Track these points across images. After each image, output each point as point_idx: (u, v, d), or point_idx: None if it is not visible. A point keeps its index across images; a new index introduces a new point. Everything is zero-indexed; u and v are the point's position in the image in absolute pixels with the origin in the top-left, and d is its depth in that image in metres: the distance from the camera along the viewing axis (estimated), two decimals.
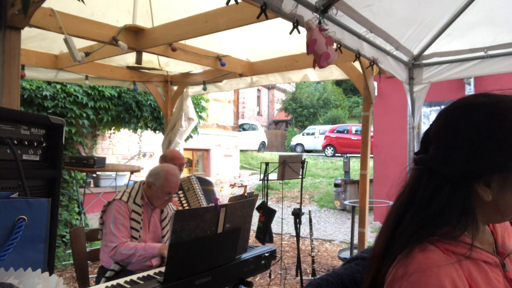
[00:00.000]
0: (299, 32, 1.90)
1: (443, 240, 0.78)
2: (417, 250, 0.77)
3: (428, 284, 0.72)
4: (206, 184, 3.58)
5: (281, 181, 4.55)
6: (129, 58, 3.87)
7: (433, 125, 0.86)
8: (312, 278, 4.11)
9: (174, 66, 4.27)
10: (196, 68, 4.37)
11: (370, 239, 6.50)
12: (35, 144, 1.14)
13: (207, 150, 12.47)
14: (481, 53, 3.09)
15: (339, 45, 2.27)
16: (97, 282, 2.29)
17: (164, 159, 3.35)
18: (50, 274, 0.75)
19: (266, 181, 4.09)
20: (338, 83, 26.35)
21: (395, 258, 0.80)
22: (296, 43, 3.17)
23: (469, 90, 6.15)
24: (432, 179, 0.82)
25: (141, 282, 1.80)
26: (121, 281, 1.82)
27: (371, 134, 4.21)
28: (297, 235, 3.94)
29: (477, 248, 0.80)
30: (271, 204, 8.97)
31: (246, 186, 3.91)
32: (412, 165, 0.89)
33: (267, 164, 4.16)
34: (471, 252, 0.78)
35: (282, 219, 5.71)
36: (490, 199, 0.79)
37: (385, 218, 0.89)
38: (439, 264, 0.74)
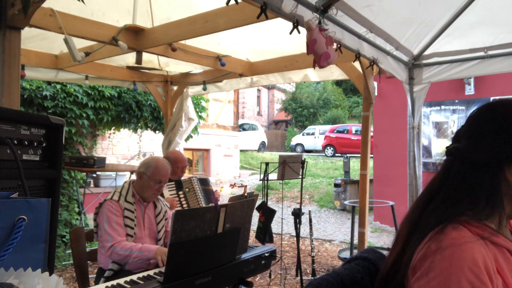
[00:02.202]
0: (299, 32, 1.90)
1: (471, 222, 0.83)
2: (450, 228, 0.82)
3: (462, 258, 0.76)
4: (206, 184, 3.58)
5: (281, 181, 4.54)
6: (129, 58, 3.86)
7: (463, 125, 0.97)
8: (312, 278, 4.11)
9: (174, 66, 4.27)
10: (196, 68, 4.36)
11: (370, 239, 6.52)
12: (35, 144, 1.14)
13: (207, 150, 12.47)
14: (481, 53, 3.09)
15: (339, 45, 2.27)
16: (97, 283, 2.29)
17: (166, 160, 3.35)
18: (50, 274, 0.75)
19: (266, 181, 4.09)
20: (338, 83, 26.33)
21: (425, 235, 0.84)
22: (296, 43, 3.16)
23: (469, 90, 6.15)
24: (463, 165, 0.90)
25: (141, 282, 1.80)
26: (121, 281, 1.82)
27: (371, 134, 4.21)
28: (297, 235, 3.94)
29: (502, 236, 0.85)
30: (271, 204, 8.97)
31: (246, 186, 3.92)
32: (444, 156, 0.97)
33: (267, 164, 4.16)
34: (497, 238, 0.83)
35: (282, 219, 5.71)
36: None
37: (415, 201, 0.96)
38: (472, 240, 0.79)
